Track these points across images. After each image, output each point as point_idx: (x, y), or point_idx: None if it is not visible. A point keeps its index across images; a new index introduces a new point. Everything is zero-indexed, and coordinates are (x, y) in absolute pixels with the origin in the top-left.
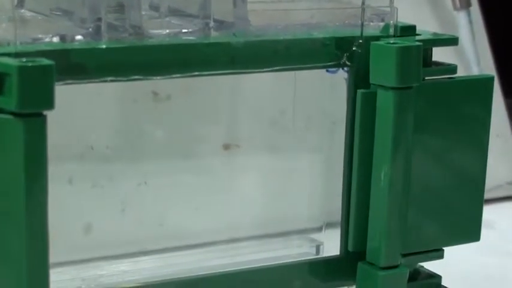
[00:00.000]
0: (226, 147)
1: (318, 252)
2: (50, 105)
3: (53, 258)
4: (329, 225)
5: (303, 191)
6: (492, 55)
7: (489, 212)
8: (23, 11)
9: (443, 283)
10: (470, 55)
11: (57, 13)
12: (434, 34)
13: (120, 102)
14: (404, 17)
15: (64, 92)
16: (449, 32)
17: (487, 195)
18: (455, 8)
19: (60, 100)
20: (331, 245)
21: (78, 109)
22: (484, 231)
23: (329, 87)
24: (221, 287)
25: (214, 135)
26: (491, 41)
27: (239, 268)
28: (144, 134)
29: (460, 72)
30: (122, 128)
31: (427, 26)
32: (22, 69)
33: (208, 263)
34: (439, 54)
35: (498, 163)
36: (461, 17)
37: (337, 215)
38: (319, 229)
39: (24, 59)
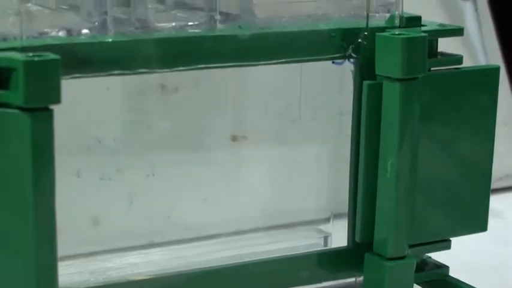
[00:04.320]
0: (234, 138)
1: (325, 243)
2: (56, 99)
3: (61, 251)
4: (337, 216)
5: (311, 182)
6: (499, 43)
7: (498, 202)
8: (29, 4)
9: (451, 273)
10: (477, 44)
11: (64, 7)
12: (440, 25)
13: (127, 95)
14: (411, 7)
15: (71, 85)
16: (456, 21)
17: (495, 185)
18: None
19: (67, 93)
20: (339, 235)
21: (85, 102)
22: (492, 221)
23: (335, 78)
24: (229, 279)
25: (222, 126)
26: (497, 28)
27: (247, 260)
28: (152, 126)
29: (467, 61)
30: (129, 120)
31: (433, 15)
32: (28, 64)
33: (216, 255)
34: (446, 44)
35: (506, 152)
36: (467, 6)
37: (344, 205)
38: (327, 220)
39: (30, 54)
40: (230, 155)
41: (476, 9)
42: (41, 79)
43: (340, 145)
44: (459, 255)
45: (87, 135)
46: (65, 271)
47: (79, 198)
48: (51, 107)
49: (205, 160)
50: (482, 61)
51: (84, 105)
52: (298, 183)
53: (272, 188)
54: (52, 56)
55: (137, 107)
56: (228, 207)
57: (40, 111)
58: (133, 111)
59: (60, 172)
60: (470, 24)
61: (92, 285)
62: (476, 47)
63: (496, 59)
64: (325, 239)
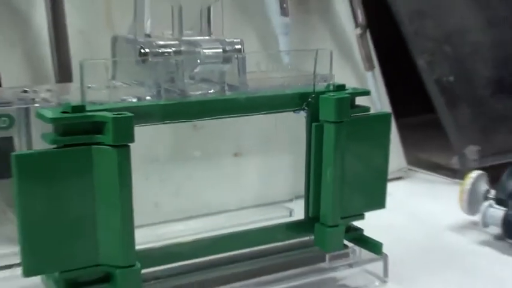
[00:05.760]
0: (236, 155)
1: (291, 214)
2: (131, 139)
3: (136, 223)
4: (297, 197)
5: (282, 178)
6: (388, 97)
7: (389, 187)
8: (114, 81)
9: (365, 233)
10: (375, 98)
11: (135, 82)
12: (355, 88)
13: (173, 131)
14: (338, 75)
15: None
16: (363, 83)
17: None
18: (365, 69)
19: (139, 133)
20: (298, 208)
21: (148, 136)
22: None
23: (296, 119)
24: (231, 243)
25: (228, 148)
26: (387, 86)
27: (243, 229)
28: (189, 149)
29: (369, 105)
30: (175, 146)
31: (350, 80)
32: (115, 120)
33: (224, 224)
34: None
35: (392, 158)
36: (368, 75)
37: (301, 192)
38: (291, 200)
39: (115, 113)
40: (233, 164)
41: (374, 77)
42: (122, 128)
43: (300, 156)
44: (368, 220)
45: (152, 155)
46: (137, 235)
47: (146, 191)
48: (129, 144)
49: (220, 167)
50: (378, 106)
51: (148, 138)
52: (275, 178)
53: (258, 182)
54: (128, 114)
55: (179, 138)
56: (233, 194)
57: (122, 147)
58: (177, 141)
59: (136, 177)
60: (370, 87)
61: (156, 245)
62: (374, 99)
63: (386, 106)
64: (290, 212)
